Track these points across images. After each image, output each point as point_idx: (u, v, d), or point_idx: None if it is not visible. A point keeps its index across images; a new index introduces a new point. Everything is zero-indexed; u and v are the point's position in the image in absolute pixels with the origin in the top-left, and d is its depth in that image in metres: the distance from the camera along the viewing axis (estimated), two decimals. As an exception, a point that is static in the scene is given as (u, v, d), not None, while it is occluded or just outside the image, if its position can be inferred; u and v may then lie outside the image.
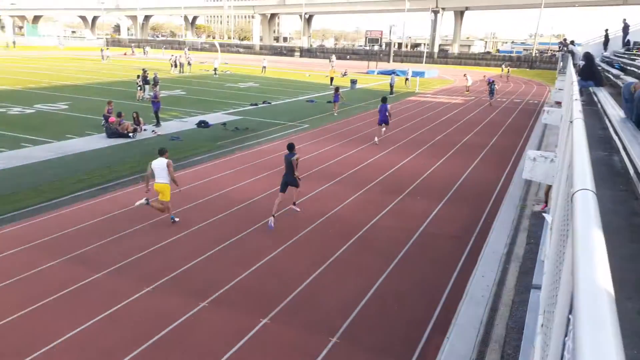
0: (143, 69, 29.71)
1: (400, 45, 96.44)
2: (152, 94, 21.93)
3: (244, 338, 6.33)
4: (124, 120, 18.25)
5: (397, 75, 44.57)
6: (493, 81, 33.41)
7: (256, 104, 27.96)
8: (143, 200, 9.83)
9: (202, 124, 20.70)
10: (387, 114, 18.33)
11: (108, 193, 11.91)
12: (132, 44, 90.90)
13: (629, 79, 12.50)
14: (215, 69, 45.65)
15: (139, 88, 27.84)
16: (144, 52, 77.87)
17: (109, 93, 28.91)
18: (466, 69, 66.26)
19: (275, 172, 14.05)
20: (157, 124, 19.93)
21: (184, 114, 23.26)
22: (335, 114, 25.08)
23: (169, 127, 20.17)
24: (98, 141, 17.31)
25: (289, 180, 10.60)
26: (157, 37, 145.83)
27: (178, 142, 17.47)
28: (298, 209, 11.03)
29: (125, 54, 70.09)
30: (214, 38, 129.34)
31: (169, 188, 9.90)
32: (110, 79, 39.18)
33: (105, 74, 43.25)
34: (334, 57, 64.32)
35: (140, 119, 18.90)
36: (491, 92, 32.17)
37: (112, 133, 17.78)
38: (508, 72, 55.54)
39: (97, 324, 6.54)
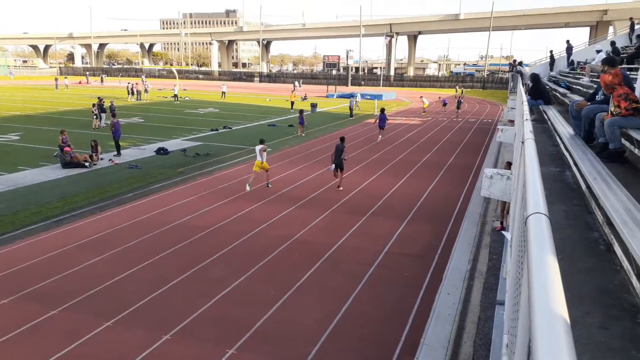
0: (98, 97, 29.07)
1: (357, 69, 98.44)
2: (108, 122, 21.44)
3: (210, 371, 6.14)
4: (75, 152, 17.68)
5: (356, 98, 45.39)
6: (460, 100, 40.01)
7: (217, 129, 27.78)
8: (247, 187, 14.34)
9: (162, 151, 20.36)
10: (385, 120, 24.71)
11: (63, 225, 11.46)
12: (87, 73, 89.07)
13: (575, 97, 13.14)
14: (175, 95, 45.31)
15: (94, 117, 27.18)
16: (100, 81, 76.43)
17: (63, 122, 28.10)
18: (422, 90, 68.17)
19: (238, 196, 13.93)
20: (118, 153, 19.47)
21: (142, 142, 22.83)
22: (303, 135, 26.38)
23: (127, 155, 19.73)
24: (52, 172, 16.72)
25: (338, 162, 14.72)
26: (113, 64, 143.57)
27: (136, 170, 17.08)
28: (341, 188, 14.89)
29: (80, 83, 68.55)
30: (171, 65, 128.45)
31: (267, 164, 15.11)
32: (64, 108, 38.13)
33: (59, 103, 42.09)
34: (299, 82, 65.61)
35: (99, 147, 18.46)
36: (458, 106, 39.11)
37: (67, 163, 17.23)
38: (462, 92, 57.49)
39: (53, 366, 6.21)
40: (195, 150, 20.82)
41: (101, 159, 18.36)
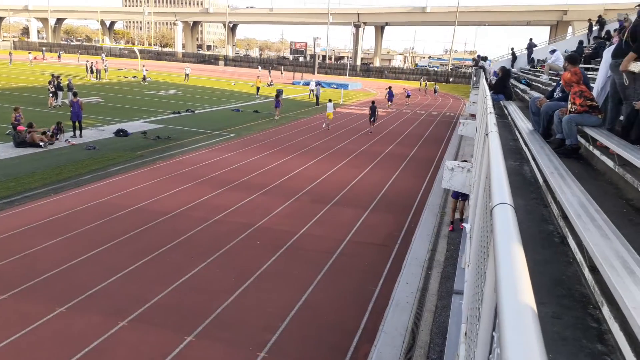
0: (52, 75, 27.74)
1: (324, 57, 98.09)
2: (66, 101, 20.57)
3: (168, 357, 6.04)
4: (35, 130, 16.96)
5: (322, 87, 45.47)
6: (436, 88, 47.06)
7: (179, 112, 27.18)
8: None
9: (121, 133, 19.76)
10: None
11: (15, 207, 10.98)
12: (43, 48, 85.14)
13: (535, 94, 13.51)
14: (144, 76, 44.12)
15: (50, 95, 26.07)
16: (58, 57, 73.31)
17: (17, 99, 26.83)
18: (388, 82, 68.69)
19: (200, 182, 13.70)
20: (74, 135, 18.72)
21: (101, 123, 22.08)
22: (277, 118, 27.36)
23: (85, 135, 19.01)
24: (4, 151, 15.95)
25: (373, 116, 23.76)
26: (71, 41, 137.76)
27: (94, 152, 16.53)
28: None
29: (35, 58, 65.52)
30: (133, 44, 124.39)
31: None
32: (18, 84, 36.41)
33: (13, 79, 40.15)
34: (270, 68, 66.22)
35: (63, 128, 17.87)
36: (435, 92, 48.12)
37: (21, 142, 16.49)
38: (426, 85, 58.48)
39: (7, 349, 5.97)
40: (156, 133, 20.31)
41: (57, 139, 17.67)
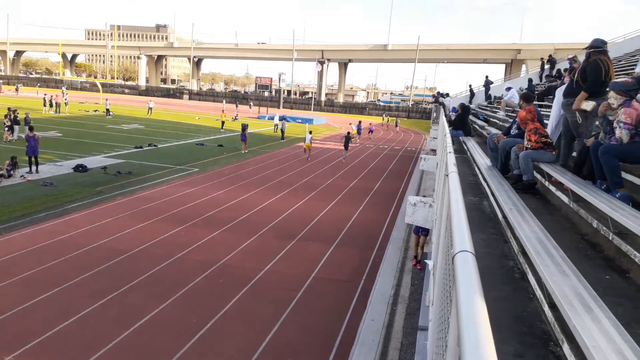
0: (9, 108, 26.86)
1: (289, 92, 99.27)
2: (22, 135, 19.91)
3: (124, 407, 5.73)
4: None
5: (288, 121, 45.97)
6: (397, 122, 49.77)
7: (141, 147, 26.74)
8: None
9: (80, 168, 19.22)
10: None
11: (-39, 248, 10.40)
12: (1, 81, 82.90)
13: (493, 130, 14.03)
14: (107, 110, 43.44)
15: (6, 129, 25.22)
16: (15, 90, 71.42)
17: (-32, 133, 25.81)
18: (351, 117, 69.95)
19: (161, 218, 13.39)
20: (30, 170, 18.08)
21: (60, 158, 21.45)
22: (246, 152, 27.69)
23: (42, 171, 18.39)
24: (-49, 188, 15.22)
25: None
26: (31, 74, 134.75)
27: (51, 188, 15.96)
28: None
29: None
30: (95, 77, 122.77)
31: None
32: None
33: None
34: (236, 101, 66.45)
35: (17, 163, 17.27)
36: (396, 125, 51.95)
37: (-30, 178, 15.79)
38: (388, 121, 60.00)
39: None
40: (117, 168, 19.86)
41: (11, 175, 17.01)
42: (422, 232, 10.25)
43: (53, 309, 7.97)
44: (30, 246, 10.69)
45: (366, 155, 31.19)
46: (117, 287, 8.92)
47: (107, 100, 48.20)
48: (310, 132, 28.65)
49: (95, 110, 47.89)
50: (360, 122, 42.86)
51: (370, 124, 50.21)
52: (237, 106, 62.13)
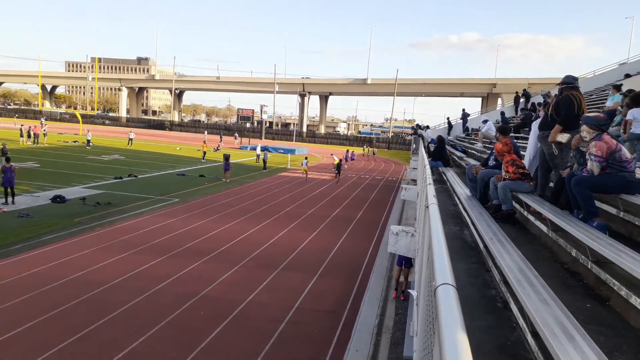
0: (-13, 139, 26.59)
1: (271, 123, 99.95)
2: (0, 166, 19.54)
3: None
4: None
5: (270, 151, 46.22)
6: (374, 151, 48.79)
7: (121, 178, 26.45)
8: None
9: (58, 199, 18.89)
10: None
11: None
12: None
13: (471, 161, 14.28)
14: (88, 140, 43.24)
15: (-19, 159, 24.78)
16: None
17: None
18: (332, 148, 70.56)
19: (140, 250, 13.16)
20: (6, 201, 17.69)
21: (37, 188, 21.06)
22: (228, 181, 27.84)
23: (18, 202, 18.00)
24: None
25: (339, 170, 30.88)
26: (9, 105, 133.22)
27: (27, 219, 15.61)
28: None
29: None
30: (75, 108, 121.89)
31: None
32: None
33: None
34: (220, 133, 66.73)
35: None
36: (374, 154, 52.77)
37: (-57, 210, 15.37)
38: (369, 152, 60.87)
39: None
40: (96, 199, 19.56)
41: (-14, 206, 16.62)
42: (406, 265, 10.18)
43: (24, 345, 7.70)
44: (2, 279, 10.38)
45: (348, 185, 31.35)
46: (94, 321, 8.68)
47: (88, 131, 47.92)
48: (306, 158, 33.24)
49: (75, 141, 47.47)
50: (347, 150, 49.49)
51: (352, 152, 51.05)
52: (221, 138, 62.04)
